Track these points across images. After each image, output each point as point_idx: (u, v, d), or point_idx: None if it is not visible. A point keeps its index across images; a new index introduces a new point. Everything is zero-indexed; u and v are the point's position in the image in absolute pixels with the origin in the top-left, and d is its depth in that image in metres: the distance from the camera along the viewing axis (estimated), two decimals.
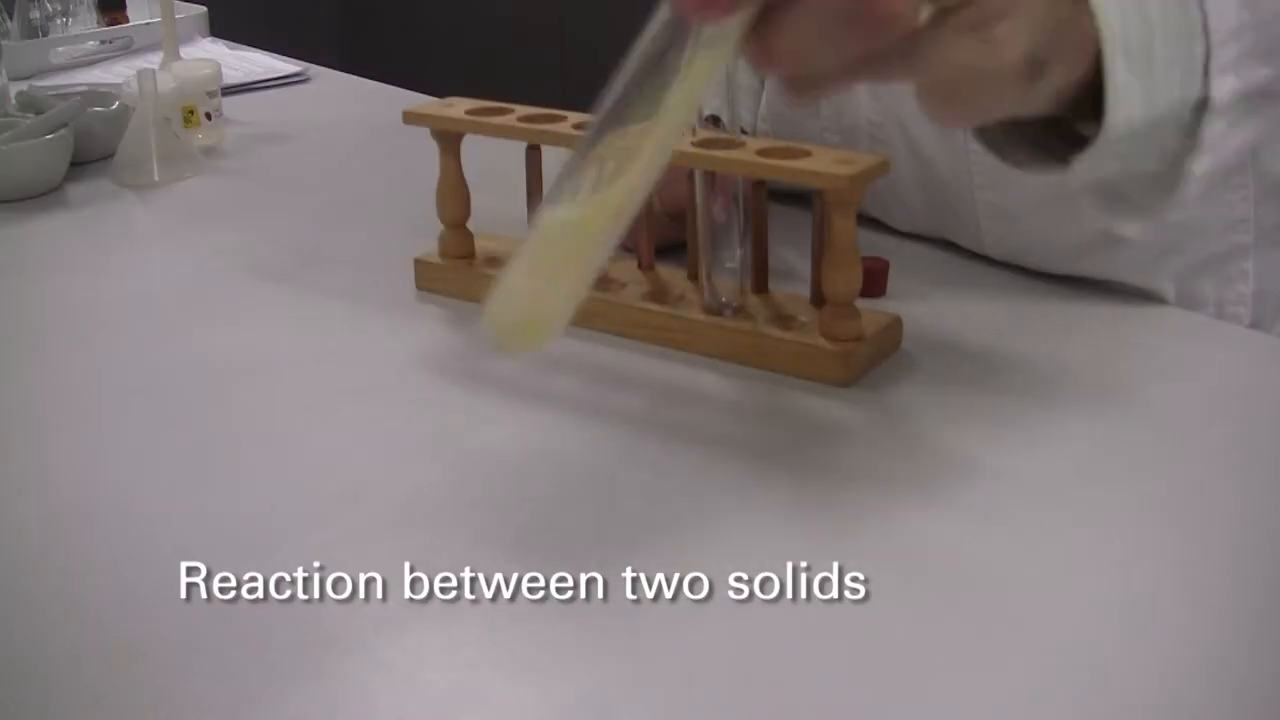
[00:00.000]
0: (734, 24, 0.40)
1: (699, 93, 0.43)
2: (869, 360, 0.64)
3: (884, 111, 0.76)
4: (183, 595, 0.48)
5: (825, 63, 0.40)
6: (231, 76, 1.30)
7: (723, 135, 0.64)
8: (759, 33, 0.40)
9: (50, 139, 0.97)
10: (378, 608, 0.47)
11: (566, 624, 0.46)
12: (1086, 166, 0.56)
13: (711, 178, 0.64)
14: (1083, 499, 0.53)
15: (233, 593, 0.48)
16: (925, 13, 0.42)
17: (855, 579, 0.48)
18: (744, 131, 0.66)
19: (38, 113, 1.02)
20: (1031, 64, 0.48)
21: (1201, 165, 0.60)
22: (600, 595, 0.48)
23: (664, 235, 0.73)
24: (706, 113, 0.64)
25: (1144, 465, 0.55)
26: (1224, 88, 0.57)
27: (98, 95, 1.09)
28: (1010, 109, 0.50)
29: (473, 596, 0.48)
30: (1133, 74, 0.53)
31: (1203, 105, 0.58)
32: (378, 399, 0.64)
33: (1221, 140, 0.60)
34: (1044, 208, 0.71)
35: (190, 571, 0.50)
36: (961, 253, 0.78)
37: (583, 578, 0.49)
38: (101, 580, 0.50)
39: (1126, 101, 0.53)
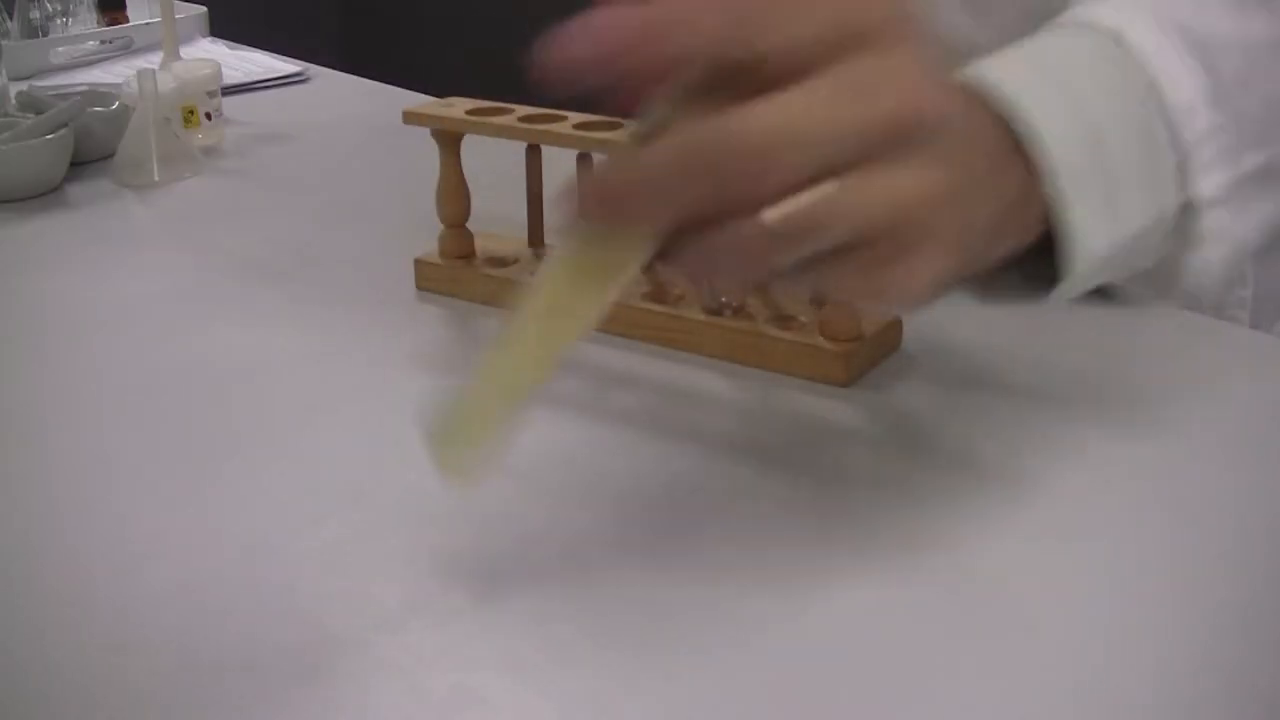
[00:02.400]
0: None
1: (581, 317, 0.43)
2: (869, 360, 0.64)
3: None
4: (182, 595, 0.48)
5: (728, 284, 0.42)
6: (231, 76, 1.30)
7: None
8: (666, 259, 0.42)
9: (50, 139, 0.97)
10: (378, 608, 0.47)
11: (566, 624, 0.46)
12: (1063, 294, 0.56)
13: None
14: (1082, 498, 0.53)
15: (233, 592, 0.48)
16: (794, 255, 0.41)
17: (854, 578, 0.48)
18: None
19: (38, 113, 1.02)
20: (967, 263, 0.47)
21: (1217, 252, 0.59)
22: (600, 595, 0.48)
23: None
24: None
25: (1143, 464, 0.55)
26: (1212, 183, 0.57)
27: (98, 95, 1.09)
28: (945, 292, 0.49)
29: (473, 596, 0.48)
30: (1095, 212, 0.52)
31: (1188, 207, 0.58)
32: (377, 399, 0.64)
33: (1231, 225, 0.59)
34: None
35: (190, 572, 0.50)
36: None
37: (582, 577, 0.49)
38: (100, 580, 0.50)
39: (1088, 240, 0.52)
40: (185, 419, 0.63)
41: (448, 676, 0.44)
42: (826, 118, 0.39)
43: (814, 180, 0.40)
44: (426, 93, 1.01)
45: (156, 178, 1.00)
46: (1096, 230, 0.52)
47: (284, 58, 1.42)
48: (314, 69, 1.40)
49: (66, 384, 0.67)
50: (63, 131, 0.98)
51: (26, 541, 0.53)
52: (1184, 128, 0.55)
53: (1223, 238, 0.58)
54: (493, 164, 0.76)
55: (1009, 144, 0.50)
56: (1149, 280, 0.61)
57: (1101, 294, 0.71)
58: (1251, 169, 0.58)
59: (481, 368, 0.45)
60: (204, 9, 1.54)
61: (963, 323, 0.69)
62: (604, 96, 0.40)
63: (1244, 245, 0.60)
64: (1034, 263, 0.55)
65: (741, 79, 0.39)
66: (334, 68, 1.42)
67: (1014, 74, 0.51)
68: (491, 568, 0.50)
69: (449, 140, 0.73)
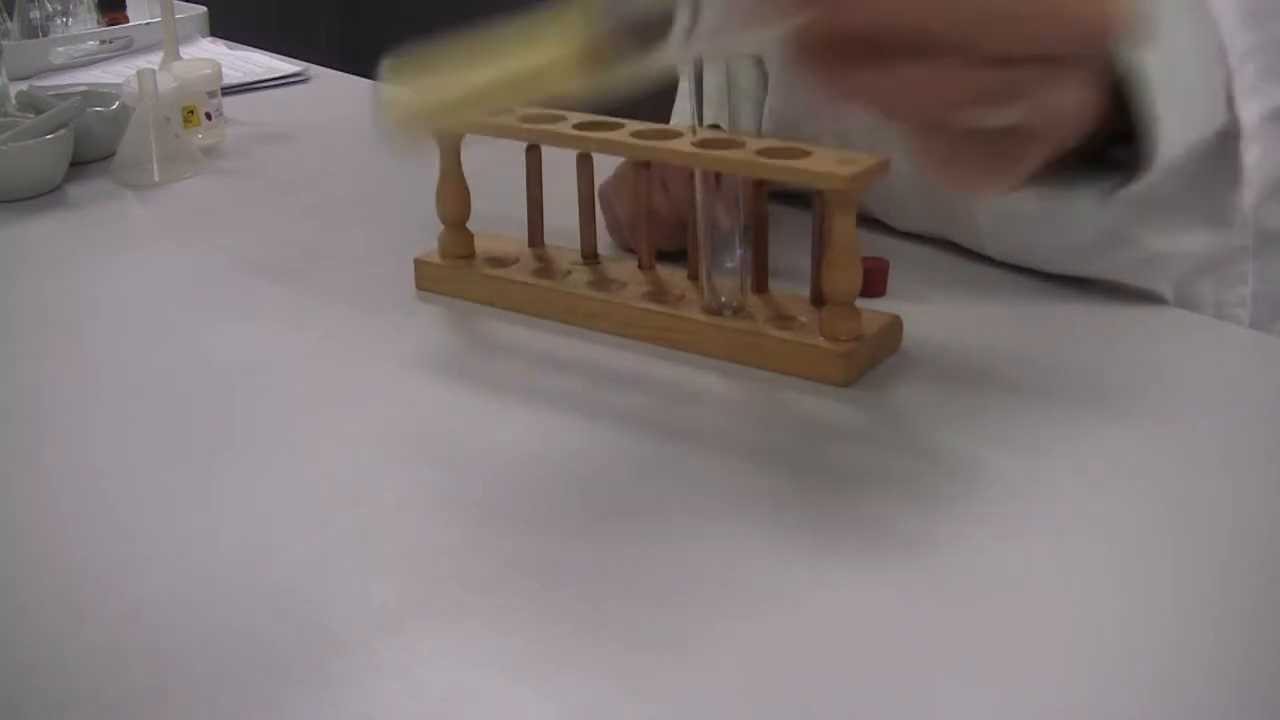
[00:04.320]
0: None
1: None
2: (869, 360, 0.64)
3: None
4: (182, 595, 0.48)
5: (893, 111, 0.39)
6: (231, 76, 1.30)
7: (723, 135, 0.64)
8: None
9: (50, 139, 0.97)
10: (378, 608, 0.47)
11: (566, 624, 0.46)
12: (1133, 194, 0.54)
13: (715, 181, 0.64)
14: (1081, 498, 0.53)
15: (233, 593, 0.48)
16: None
17: (854, 577, 0.48)
18: None
19: (38, 113, 1.02)
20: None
21: (1253, 190, 0.58)
22: (600, 595, 0.48)
23: (675, 242, 0.73)
24: (708, 120, 0.64)
25: (1143, 465, 0.55)
26: (1252, 112, 0.55)
27: (98, 95, 1.09)
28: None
29: (473, 596, 0.48)
30: (1171, 109, 0.51)
31: (1228, 132, 0.57)
32: (378, 399, 0.64)
33: (1259, 165, 0.58)
34: (1043, 209, 0.71)
35: (190, 572, 0.50)
36: (961, 253, 0.78)
37: (582, 577, 0.49)
38: (100, 580, 0.50)
39: (1167, 138, 0.51)
40: (185, 419, 0.63)
41: (448, 676, 0.44)
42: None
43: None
44: None
45: (156, 178, 1.00)
46: (1173, 130, 0.51)
47: (284, 58, 1.42)
48: (314, 69, 1.40)
49: (66, 384, 0.67)
50: (63, 131, 0.98)
51: (26, 541, 0.53)
52: (1230, 43, 0.53)
53: (1261, 170, 0.57)
54: (493, 164, 0.76)
55: None
56: (1195, 210, 0.59)
57: (1101, 294, 0.71)
58: (1277, 104, 0.57)
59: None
60: (204, 9, 1.54)
61: (963, 323, 0.69)
62: None
63: (1275, 181, 0.59)
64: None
65: None
66: (334, 68, 1.42)
67: None
68: (491, 568, 0.50)
69: (449, 140, 0.73)
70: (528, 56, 0.43)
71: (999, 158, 0.42)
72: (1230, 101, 0.54)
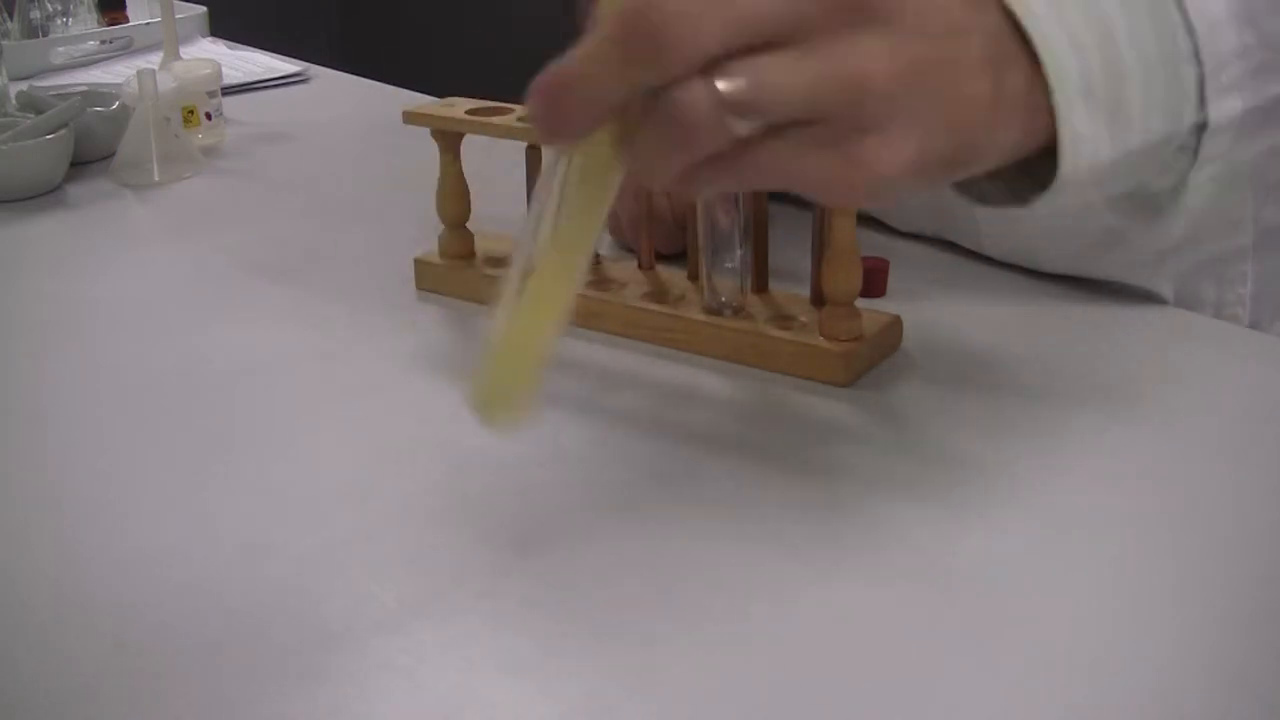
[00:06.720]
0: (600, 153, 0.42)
1: (588, 229, 0.45)
2: (869, 360, 0.64)
3: None
4: (182, 595, 0.48)
5: (666, 174, 0.41)
6: (231, 76, 1.30)
7: None
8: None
9: (50, 139, 0.97)
10: (378, 608, 0.47)
11: (566, 624, 0.46)
12: (1045, 203, 0.54)
13: None
14: (1082, 498, 0.53)
15: (233, 592, 0.48)
16: (746, 126, 0.39)
17: (854, 578, 0.48)
18: None
19: (38, 113, 1.02)
20: (957, 153, 0.44)
21: (1203, 175, 0.58)
22: (600, 595, 0.48)
23: (675, 245, 0.73)
24: None
25: (1143, 465, 0.55)
26: (1227, 108, 0.56)
27: (98, 95, 1.09)
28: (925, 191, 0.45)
29: (473, 597, 0.48)
30: (1097, 121, 0.51)
31: (1202, 127, 0.57)
32: (378, 399, 0.64)
33: (1228, 151, 0.59)
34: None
35: (190, 571, 0.50)
36: (961, 253, 0.78)
37: (582, 577, 0.49)
38: (100, 579, 0.50)
39: (1091, 149, 0.51)
40: (185, 418, 0.63)
41: (448, 676, 0.44)
42: None
43: (764, 45, 0.38)
44: (426, 93, 1.01)
45: (156, 178, 1.00)
46: (1099, 138, 0.50)
47: (284, 58, 1.42)
48: (314, 69, 1.41)
49: (66, 384, 0.67)
50: (63, 131, 0.98)
51: (27, 540, 0.53)
52: (1208, 43, 0.54)
53: (1213, 161, 0.57)
54: (493, 164, 0.76)
55: (1014, 36, 0.47)
56: (1166, 197, 0.59)
57: (1101, 294, 0.71)
58: (1272, 96, 0.57)
59: (503, 317, 0.46)
60: (204, 9, 1.54)
61: (963, 323, 0.69)
62: None
63: (1241, 168, 0.59)
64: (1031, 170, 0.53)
65: None
66: (334, 68, 1.43)
67: None
68: (491, 568, 0.50)
69: (449, 140, 0.73)
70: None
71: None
72: (1202, 101, 0.55)
